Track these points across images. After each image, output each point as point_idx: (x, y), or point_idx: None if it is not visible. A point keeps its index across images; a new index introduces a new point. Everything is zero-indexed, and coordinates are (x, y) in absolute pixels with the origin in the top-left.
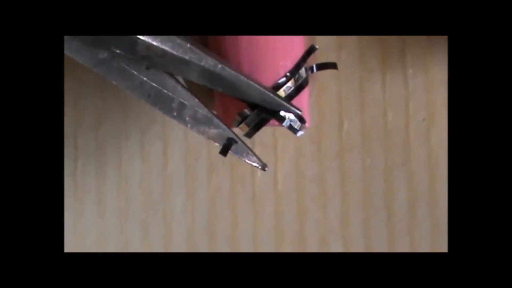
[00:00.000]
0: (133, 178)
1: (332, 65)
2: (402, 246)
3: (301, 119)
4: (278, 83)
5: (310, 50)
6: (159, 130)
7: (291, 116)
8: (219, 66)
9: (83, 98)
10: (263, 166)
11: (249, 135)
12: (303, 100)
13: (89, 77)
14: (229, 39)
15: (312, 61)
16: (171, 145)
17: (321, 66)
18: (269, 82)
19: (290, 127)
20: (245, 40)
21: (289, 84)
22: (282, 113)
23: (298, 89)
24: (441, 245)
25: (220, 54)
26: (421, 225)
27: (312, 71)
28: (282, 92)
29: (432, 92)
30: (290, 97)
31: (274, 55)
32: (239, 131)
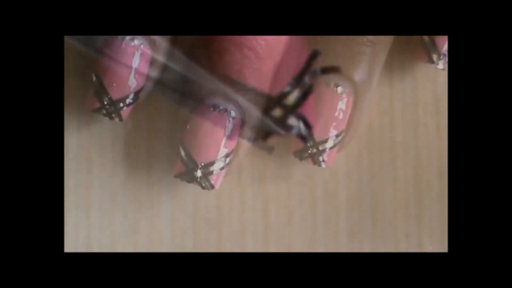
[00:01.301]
0: (119, 180)
1: (336, 69)
2: (388, 247)
3: (307, 125)
4: (284, 92)
5: (314, 55)
6: (146, 131)
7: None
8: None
9: (69, 99)
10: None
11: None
12: (309, 106)
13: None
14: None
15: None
16: (156, 146)
17: (325, 70)
18: (275, 91)
19: (300, 136)
20: (248, 49)
21: (295, 92)
22: (290, 121)
23: (304, 95)
24: (428, 247)
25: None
26: (408, 227)
27: (317, 75)
28: (289, 100)
29: (418, 93)
30: (297, 104)
31: (277, 64)
32: None
